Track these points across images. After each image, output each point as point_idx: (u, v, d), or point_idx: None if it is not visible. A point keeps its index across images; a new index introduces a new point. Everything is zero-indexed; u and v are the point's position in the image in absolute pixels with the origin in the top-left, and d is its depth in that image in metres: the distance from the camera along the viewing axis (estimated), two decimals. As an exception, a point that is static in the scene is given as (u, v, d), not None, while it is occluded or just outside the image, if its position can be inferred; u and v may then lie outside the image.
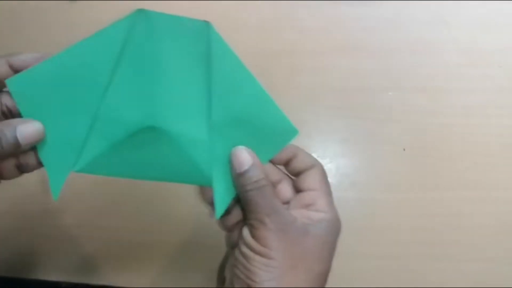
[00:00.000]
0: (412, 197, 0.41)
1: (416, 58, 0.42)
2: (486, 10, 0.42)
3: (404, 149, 0.42)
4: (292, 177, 0.31)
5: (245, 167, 0.28)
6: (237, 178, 0.29)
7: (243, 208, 0.29)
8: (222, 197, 0.29)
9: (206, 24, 0.31)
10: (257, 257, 0.27)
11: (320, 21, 0.43)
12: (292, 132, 0.32)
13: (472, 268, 0.40)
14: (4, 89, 0.28)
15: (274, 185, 0.30)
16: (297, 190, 0.30)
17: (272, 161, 0.31)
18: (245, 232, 0.28)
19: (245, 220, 0.29)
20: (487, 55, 0.42)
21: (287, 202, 0.30)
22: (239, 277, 0.27)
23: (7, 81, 0.27)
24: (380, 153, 0.42)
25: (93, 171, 0.29)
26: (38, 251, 0.41)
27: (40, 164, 0.29)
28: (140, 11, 0.30)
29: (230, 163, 0.29)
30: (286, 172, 0.31)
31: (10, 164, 0.28)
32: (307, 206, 0.29)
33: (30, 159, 0.28)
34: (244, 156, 0.29)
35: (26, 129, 0.27)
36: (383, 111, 0.42)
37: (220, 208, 0.29)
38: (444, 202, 0.41)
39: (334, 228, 0.28)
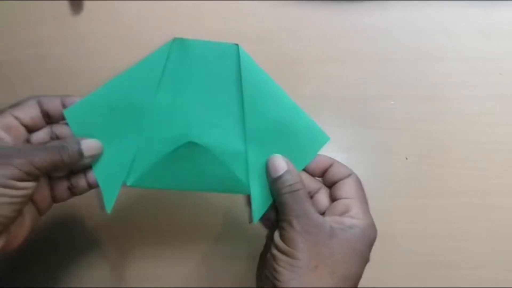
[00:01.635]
0: (414, 204, 0.42)
1: (417, 67, 0.43)
2: (486, 17, 0.43)
3: (406, 158, 0.42)
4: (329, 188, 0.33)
5: (281, 172, 0.30)
6: (273, 183, 0.31)
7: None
8: (259, 204, 0.32)
9: (236, 46, 0.34)
10: (283, 257, 0.28)
11: (320, 31, 0.43)
12: (323, 138, 0.35)
13: (473, 275, 0.41)
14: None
15: (312, 194, 0.32)
16: (333, 199, 0.32)
17: (309, 173, 0.33)
18: (276, 234, 0.30)
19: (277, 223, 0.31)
20: (488, 63, 0.42)
21: (324, 211, 0.31)
22: (267, 277, 0.29)
23: (64, 112, 0.32)
24: (382, 161, 0.42)
25: (142, 185, 0.34)
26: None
27: (89, 187, 0.32)
28: (176, 39, 0.34)
29: (266, 169, 0.32)
30: (323, 183, 0.33)
31: (63, 186, 0.32)
32: (342, 213, 0.30)
33: (81, 181, 0.32)
34: (280, 162, 0.31)
35: (88, 143, 0.31)
36: (385, 120, 0.42)
37: (257, 214, 0.32)
38: (447, 209, 0.41)
39: (366, 235, 0.29)
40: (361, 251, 0.29)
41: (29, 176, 0.28)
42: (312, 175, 0.33)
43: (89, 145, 0.31)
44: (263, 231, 0.35)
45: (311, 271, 0.28)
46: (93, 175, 0.32)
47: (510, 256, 0.41)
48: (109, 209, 0.32)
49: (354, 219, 0.29)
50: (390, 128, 0.42)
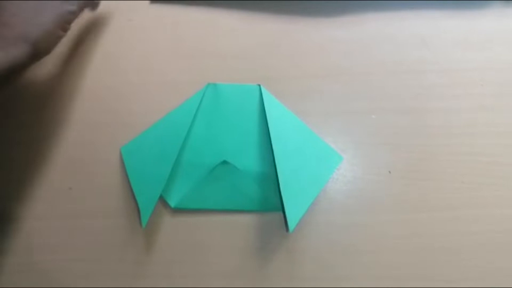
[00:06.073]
0: (400, 219, 0.41)
1: (397, 80, 0.42)
2: (464, 28, 0.43)
3: (389, 172, 0.41)
4: None
5: None
6: None
7: None
8: (293, 216, 0.36)
9: (258, 87, 0.41)
10: None
11: (299, 47, 0.43)
12: (338, 158, 0.41)
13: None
14: None
15: None
16: None
17: None
18: None
19: None
20: (468, 74, 0.42)
21: None
22: None
23: (121, 148, 0.40)
24: (365, 176, 0.42)
25: (184, 206, 0.39)
26: None
27: None
28: (209, 84, 0.41)
29: None
30: None
31: None
32: None
33: None
34: None
35: None
36: (366, 134, 0.42)
37: (292, 224, 0.36)
38: (432, 223, 0.41)
39: None
40: None
41: None
42: None
43: None
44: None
45: None
46: None
47: (495, 269, 0.40)
48: (144, 223, 0.37)
49: None
50: (372, 142, 0.42)
